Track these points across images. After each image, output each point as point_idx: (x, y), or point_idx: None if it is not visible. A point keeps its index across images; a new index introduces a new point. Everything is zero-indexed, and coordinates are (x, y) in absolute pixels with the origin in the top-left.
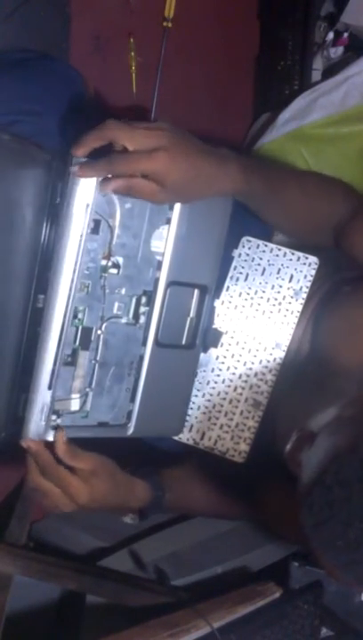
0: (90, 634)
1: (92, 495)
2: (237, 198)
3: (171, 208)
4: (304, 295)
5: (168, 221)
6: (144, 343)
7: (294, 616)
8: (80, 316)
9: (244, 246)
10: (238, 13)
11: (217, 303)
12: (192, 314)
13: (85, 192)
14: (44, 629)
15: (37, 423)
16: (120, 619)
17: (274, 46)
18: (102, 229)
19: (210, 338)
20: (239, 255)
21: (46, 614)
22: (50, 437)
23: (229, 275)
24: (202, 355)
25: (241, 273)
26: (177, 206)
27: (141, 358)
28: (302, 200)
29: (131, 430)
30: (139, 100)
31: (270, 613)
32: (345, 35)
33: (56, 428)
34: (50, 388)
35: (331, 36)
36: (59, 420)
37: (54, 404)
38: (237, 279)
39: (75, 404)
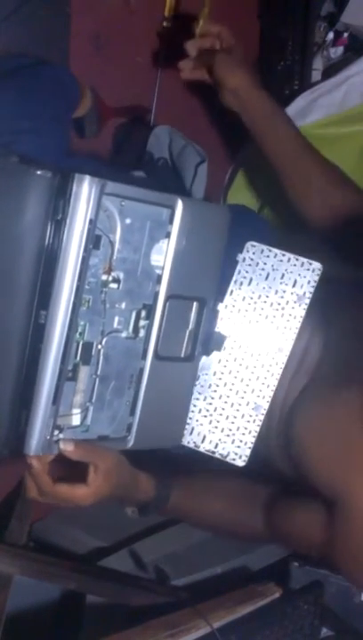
0: (90, 634)
1: (96, 496)
2: None
3: (170, 222)
4: (307, 300)
5: (168, 235)
6: (144, 357)
7: (294, 616)
8: (81, 330)
9: (248, 251)
10: (238, 13)
11: (221, 307)
12: (191, 326)
13: (87, 208)
14: (44, 629)
15: (41, 439)
16: (120, 619)
17: (274, 46)
18: (103, 244)
19: (213, 341)
20: (244, 260)
21: (46, 614)
22: (54, 452)
23: (234, 279)
24: (204, 358)
25: (245, 277)
26: (177, 220)
27: (141, 371)
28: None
29: (131, 443)
30: (139, 100)
31: (270, 613)
32: (345, 35)
33: (57, 442)
34: (54, 403)
35: (331, 36)
36: (61, 435)
37: (57, 419)
38: (241, 283)
39: (76, 419)
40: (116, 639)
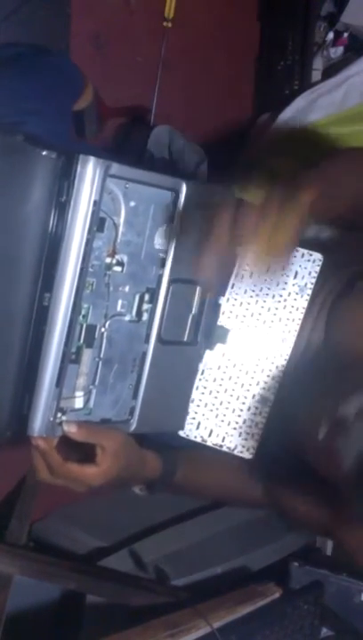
0: (90, 634)
1: (107, 476)
2: None
3: (175, 205)
4: (309, 291)
5: (172, 219)
6: (147, 340)
7: (294, 616)
8: (84, 313)
9: None
10: (238, 14)
11: (222, 300)
12: (194, 310)
13: (92, 189)
14: (44, 629)
15: (44, 421)
16: (120, 619)
17: (274, 46)
18: (107, 227)
19: (217, 335)
20: None
21: (46, 614)
22: (57, 434)
23: (234, 272)
24: (208, 352)
25: (246, 270)
26: (180, 204)
27: (144, 355)
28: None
29: (133, 426)
30: (139, 100)
31: (270, 613)
32: (345, 35)
33: (60, 424)
34: (57, 385)
35: (331, 36)
36: (64, 418)
37: (60, 401)
38: (242, 276)
39: (79, 402)
40: (117, 639)
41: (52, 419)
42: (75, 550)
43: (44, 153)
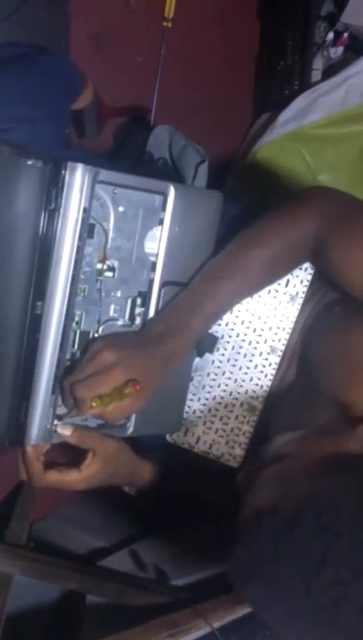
0: (90, 634)
1: (90, 482)
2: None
3: (163, 208)
4: (301, 300)
5: (161, 222)
6: None
7: None
8: (77, 320)
9: None
10: (238, 14)
11: None
12: None
13: (81, 196)
14: (44, 629)
15: (41, 428)
16: (120, 619)
17: (274, 46)
18: (97, 233)
19: (206, 343)
20: None
21: (46, 614)
22: (54, 441)
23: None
24: (198, 359)
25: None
26: (169, 206)
27: None
28: (264, 275)
29: (130, 430)
30: (139, 100)
31: None
32: (345, 35)
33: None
34: (53, 392)
35: (331, 36)
36: (60, 424)
37: (56, 408)
38: None
39: None
40: (116, 639)
41: (48, 426)
42: (75, 550)
43: (29, 162)
